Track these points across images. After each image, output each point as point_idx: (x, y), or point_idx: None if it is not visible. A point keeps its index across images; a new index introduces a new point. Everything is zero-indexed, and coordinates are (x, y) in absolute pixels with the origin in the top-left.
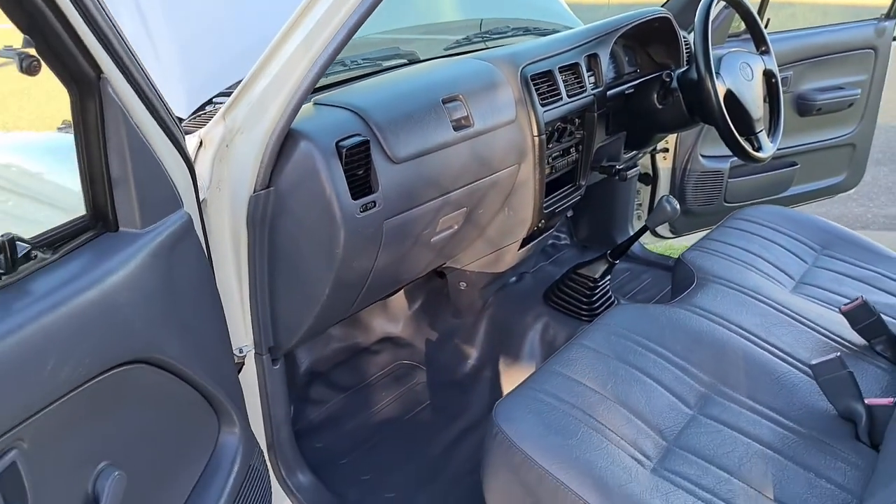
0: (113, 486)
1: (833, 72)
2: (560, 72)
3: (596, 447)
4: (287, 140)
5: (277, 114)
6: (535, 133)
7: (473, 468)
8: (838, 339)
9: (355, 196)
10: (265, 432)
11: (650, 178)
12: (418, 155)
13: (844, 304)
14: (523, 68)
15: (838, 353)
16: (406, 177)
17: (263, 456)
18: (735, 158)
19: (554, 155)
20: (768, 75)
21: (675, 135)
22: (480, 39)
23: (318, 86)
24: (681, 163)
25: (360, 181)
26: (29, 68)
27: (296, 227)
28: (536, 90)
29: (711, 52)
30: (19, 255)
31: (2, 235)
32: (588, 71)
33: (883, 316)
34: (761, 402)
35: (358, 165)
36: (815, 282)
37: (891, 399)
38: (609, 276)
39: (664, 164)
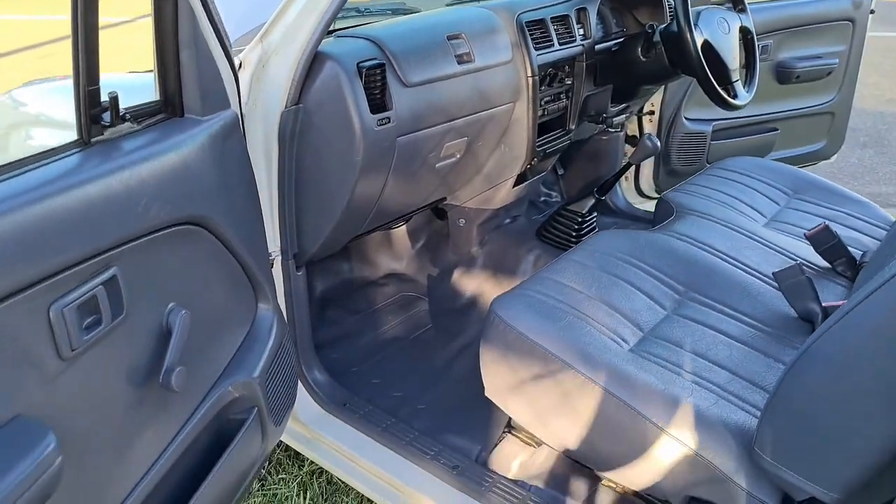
0: (181, 323)
1: (812, 41)
2: (552, 21)
3: (580, 329)
4: (315, 61)
5: (308, 36)
6: (529, 74)
7: (471, 374)
8: (802, 261)
9: (373, 111)
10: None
11: (637, 140)
12: (427, 82)
13: (808, 231)
14: (519, 15)
15: (798, 262)
16: (416, 100)
17: (292, 338)
18: (718, 122)
19: (545, 98)
20: (744, 31)
21: (661, 98)
22: None
23: (335, 29)
24: (666, 125)
25: (377, 99)
26: None
27: (320, 141)
28: (531, 35)
29: (691, 7)
30: (119, 115)
31: (108, 93)
32: (577, 23)
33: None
34: (729, 305)
35: (375, 86)
36: (785, 219)
37: (844, 301)
38: (596, 213)
39: (650, 126)
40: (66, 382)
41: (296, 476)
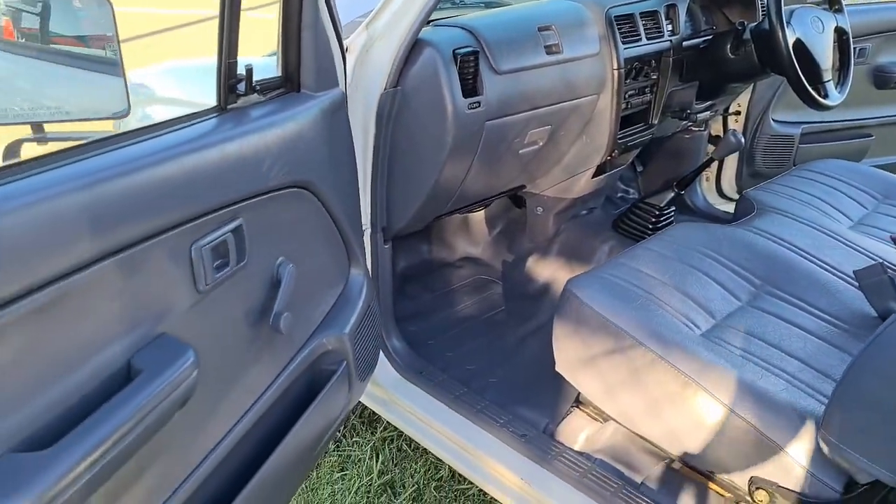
0: (289, 275)
1: None
2: (641, 17)
3: (653, 311)
4: (414, 47)
5: (410, 24)
6: (615, 66)
7: (541, 354)
8: (886, 263)
9: (465, 95)
10: None
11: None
12: (516, 70)
13: (894, 233)
14: (608, 10)
15: (881, 261)
16: (505, 87)
17: (377, 303)
18: (807, 125)
19: (630, 92)
20: (839, 32)
21: (748, 98)
22: None
23: (433, 19)
24: (752, 125)
25: (470, 85)
26: None
27: (414, 122)
28: (619, 29)
29: (784, 5)
30: (252, 86)
31: (245, 66)
32: (666, 19)
33: None
34: (806, 301)
35: (468, 72)
36: (872, 223)
37: None
38: (674, 207)
39: (736, 126)
40: (199, 312)
41: (369, 441)
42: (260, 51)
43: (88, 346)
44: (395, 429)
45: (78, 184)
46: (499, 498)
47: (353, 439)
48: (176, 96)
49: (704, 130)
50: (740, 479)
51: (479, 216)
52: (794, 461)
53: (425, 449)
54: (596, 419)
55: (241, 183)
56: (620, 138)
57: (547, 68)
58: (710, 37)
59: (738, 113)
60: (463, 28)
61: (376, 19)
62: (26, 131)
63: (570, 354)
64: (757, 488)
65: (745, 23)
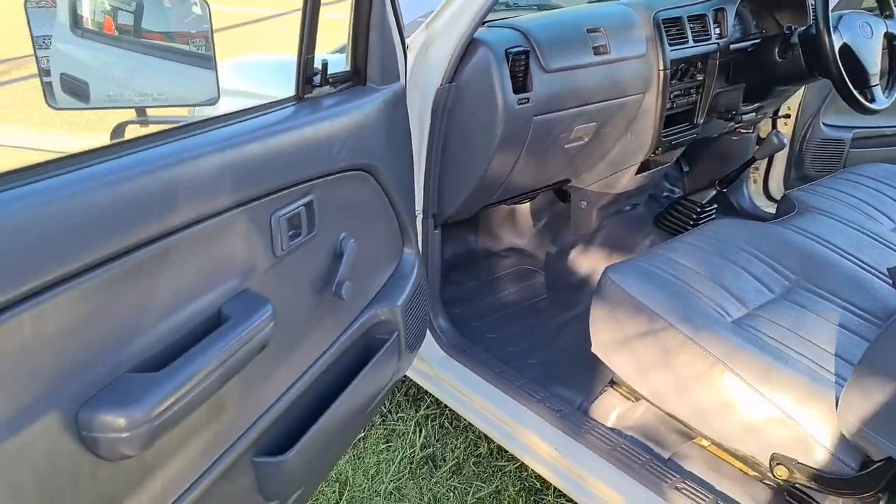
0: (350, 248)
1: None
2: (688, 20)
3: (686, 297)
4: (469, 46)
5: (467, 25)
6: (661, 67)
7: (579, 340)
8: None
9: (515, 91)
10: None
11: None
12: (565, 69)
13: None
14: (657, 13)
15: None
16: (553, 84)
17: (427, 283)
18: (859, 129)
19: (675, 92)
20: (889, 37)
21: (798, 102)
22: None
23: (488, 20)
24: (801, 129)
25: (520, 81)
26: None
27: (467, 116)
28: (666, 32)
29: (832, 10)
30: (326, 79)
31: (322, 60)
32: (714, 22)
33: None
34: (841, 296)
35: (519, 69)
36: None
37: None
38: (716, 205)
39: (784, 129)
40: (275, 274)
41: (413, 417)
42: (327, 47)
43: (188, 293)
44: (438, 406)
45: (177, 158)
46: (534, 468)
47: (398, 415)
48: (252, 88)
49: (753, 133)
50: (762, 456)
51: (524, 208)
52: (814, 440)
53: (466, 426)
54: (628, 398)
55: (314, 163)
56: (665, 136)
57: (594, 68)
58: (757, 40)
59: (787, 116)
60: (515, 29)
61: (436, 20)
62: (130, 115)
63: (605, 336)
64: (777, 464)
65: (794, 27)
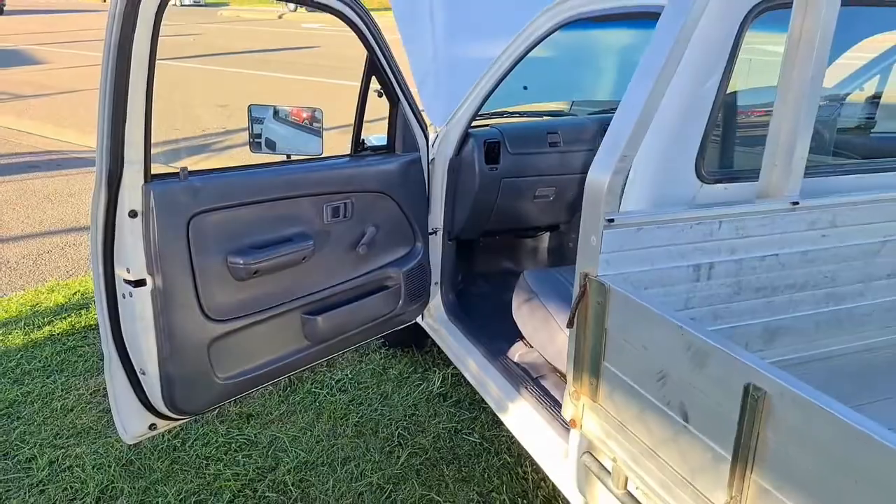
0: (371, 232)
1: None
2: None
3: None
4: (466, 137)
5: (464, 125)
6: None
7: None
8: None
9: (487, 163)
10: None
11: None
12: (524, 153)
13: None
14: (604, 124)
15: None
16: (515, 161)
17: (429, 263)
18: None
19: None
20: None
21: None
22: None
23: (480, 125)
24: None
25: (492, 158)
26: (380, 94)
27: (464, 174)
28: None
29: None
30: (367, 147)
31: (363, 138)
32: None
33: None
34: None
35: (492, 151)
36: None
37: None
38: None
39: None
40: (321, 231)
41: (433, 368)
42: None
43: (288, 222)
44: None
45: (300, 169)
46: (487, 400)
47: (423, 365)
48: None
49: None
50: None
51: (526, 242)
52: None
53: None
54: (528, 347)
55: (354, 185)
56: None
57: (547, 154)
58: None
59: None
60: (496, 128)
61: (451, 118)
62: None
63: (522, 317)
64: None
65: None
